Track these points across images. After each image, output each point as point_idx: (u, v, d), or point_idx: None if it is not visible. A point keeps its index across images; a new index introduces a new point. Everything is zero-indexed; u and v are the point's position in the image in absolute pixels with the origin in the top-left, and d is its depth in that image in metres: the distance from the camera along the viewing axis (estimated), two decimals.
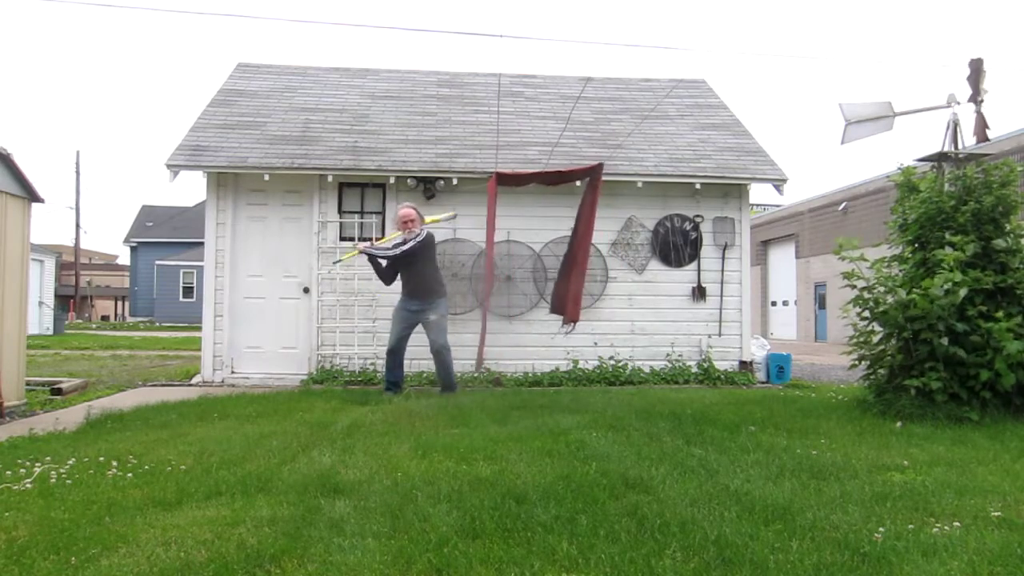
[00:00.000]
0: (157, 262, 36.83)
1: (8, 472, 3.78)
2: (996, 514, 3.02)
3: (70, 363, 11.78)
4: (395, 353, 7.22)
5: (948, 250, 5.62)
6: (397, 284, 7.42)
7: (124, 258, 51.58)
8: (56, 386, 7.59)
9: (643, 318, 9.17)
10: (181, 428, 5.16)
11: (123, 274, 52.69)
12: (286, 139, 9.22)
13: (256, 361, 8.79)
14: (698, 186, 9.11)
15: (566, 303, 7.97)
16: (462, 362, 8.82)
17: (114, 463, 3.93)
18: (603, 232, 8.85)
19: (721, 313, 9.23)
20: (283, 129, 9.52)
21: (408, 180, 8.88)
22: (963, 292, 5.45)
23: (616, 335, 9.07)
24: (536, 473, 3.68)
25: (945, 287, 5.46)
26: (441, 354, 7.13)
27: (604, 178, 8.15)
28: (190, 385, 8.48)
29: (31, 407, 6.56)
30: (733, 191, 9.36)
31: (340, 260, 8.10)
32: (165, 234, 39.89)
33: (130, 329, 30.01)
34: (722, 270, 9.29)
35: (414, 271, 7.13)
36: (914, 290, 5.69)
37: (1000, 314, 5.42)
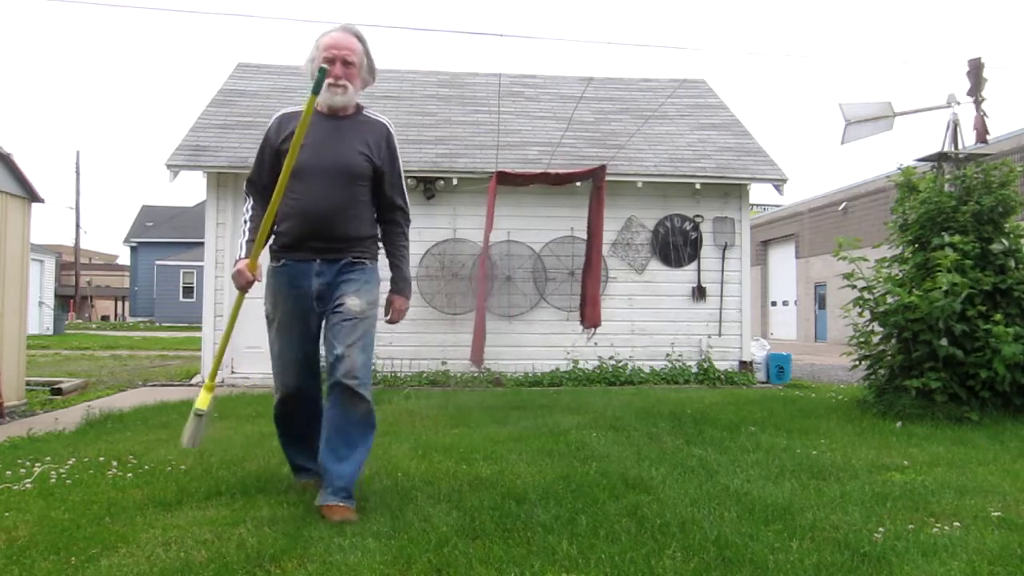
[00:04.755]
0: (157, 262, 36.81)
1: (8, 472, 3.77)
2: (996, 514, 3.02)
3: (70, 363, 11.78)
4: (300, 398, 3.26)
5: (948, 251, 5.62)
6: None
7: (124, 258, 51.64)
8: (56, 386, 7.58)
9: (643, 318, 9.17)
10: (181, 428, 5.14)
11: (123, 274, 52.67)
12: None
13: (256, 361, 8.76)
14: (698, 186, 9.12)
15: (587, 308, 7.95)
16: (462, 362, 8.83)
17: (114, 463, 3.92)
18: (603, 232, 8.85)
19: (721, 313, 9.23)
20: None
21: (408, 180, 8.85)
22: (963, 294, 5.46)
23: (616, 335, 9.07)
24: (536, 473, 3.68)
25: (945, 288, 5.47)
26: (367, 413, 2.99)
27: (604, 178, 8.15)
28: (190, 385, 8.48)
29: (31, 407, 6.55)
30: (733, 191, 9.36)
31: None
32: (165, 234, 39.86)
33: (130, 329, 30.01)
34: (722, 270, 9.29)
35: (328, 184, 3.05)
36: (914, 291, 5.69)
37: (999, 316, 5.42)
